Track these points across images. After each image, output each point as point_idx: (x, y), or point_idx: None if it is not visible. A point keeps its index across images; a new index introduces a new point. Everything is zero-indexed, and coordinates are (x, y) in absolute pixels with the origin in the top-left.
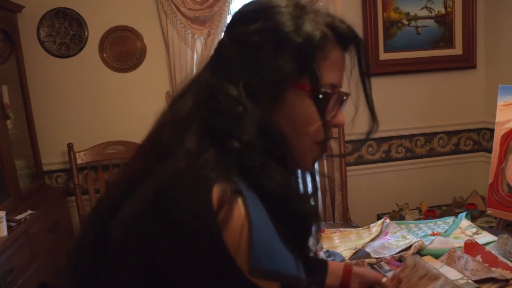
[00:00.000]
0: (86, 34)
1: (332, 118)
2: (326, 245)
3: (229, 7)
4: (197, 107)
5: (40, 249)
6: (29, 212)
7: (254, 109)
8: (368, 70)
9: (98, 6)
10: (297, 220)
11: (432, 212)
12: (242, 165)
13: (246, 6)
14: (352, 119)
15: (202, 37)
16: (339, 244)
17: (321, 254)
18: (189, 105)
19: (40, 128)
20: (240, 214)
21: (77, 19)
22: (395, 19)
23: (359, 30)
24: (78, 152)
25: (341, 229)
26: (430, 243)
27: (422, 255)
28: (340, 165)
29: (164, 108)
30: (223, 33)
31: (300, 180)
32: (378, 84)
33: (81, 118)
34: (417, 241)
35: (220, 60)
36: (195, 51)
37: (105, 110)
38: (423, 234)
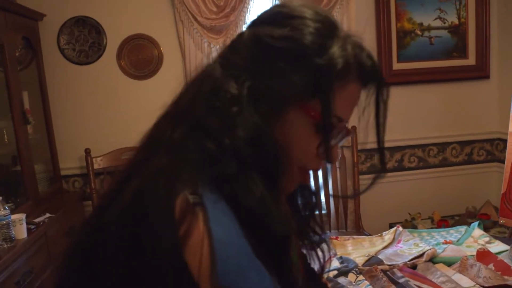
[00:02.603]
0: (105, 42)
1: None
2: (339, 251)
3: (245, 16)
4: (195, 99)
5: (57, 252)
6: (47, 215)
7: (251, 114)
8: (385, 115)
9: (117, 15)
10: (274, 240)
11: (445, 222)
12: (219, 172)
13: (277, 7)
14: (365, 126)
15: (218, 46)
16: (352, 251)
17: (334, 260)
18: (189, 96)
19: (59, 133)
20: (199, 230)
21: (96, 27)
22: (408, 30)
23: (372, 40)
24: (95, 157)
25: (354, 237)
26: (442, 251)
27: (434, 263)
28: (353, 174)
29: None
30: (245, 27)
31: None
32: (391, 94)
33: (98, 124)
34: (430, 249)
35: (233, 54)
36: (211, 59)
37: (122, 116)
38: (435, 242)
